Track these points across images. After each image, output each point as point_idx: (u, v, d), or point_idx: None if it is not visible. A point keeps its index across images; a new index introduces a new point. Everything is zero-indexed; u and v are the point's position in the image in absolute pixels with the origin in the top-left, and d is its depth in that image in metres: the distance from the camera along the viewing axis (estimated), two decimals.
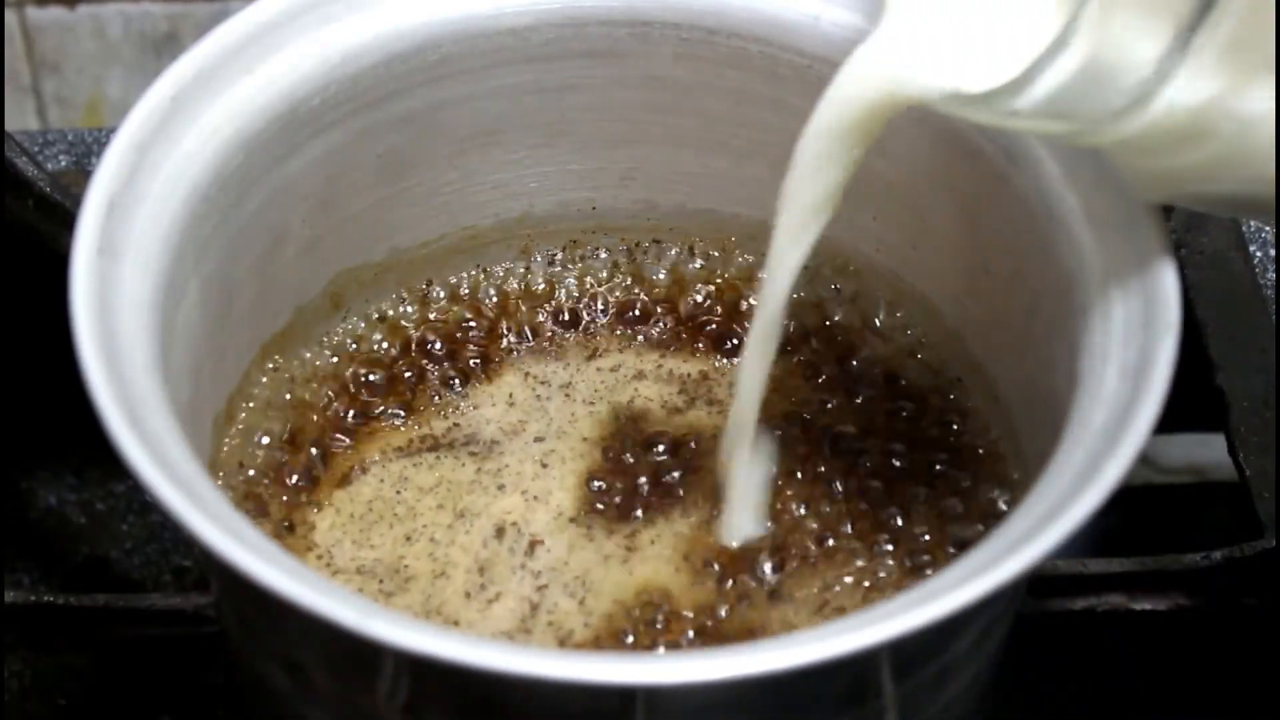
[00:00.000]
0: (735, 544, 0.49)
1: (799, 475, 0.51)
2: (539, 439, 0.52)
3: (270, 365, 0.52)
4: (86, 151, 0.67)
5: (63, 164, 0.67)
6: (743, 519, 0.50)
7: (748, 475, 0.50)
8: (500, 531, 0.50)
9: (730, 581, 0.49)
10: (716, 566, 0.49)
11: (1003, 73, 0.41)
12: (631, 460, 0.52)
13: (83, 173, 0.65)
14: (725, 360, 0.54)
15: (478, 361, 0.54)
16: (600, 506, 0.50)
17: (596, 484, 0.51)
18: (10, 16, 0.87)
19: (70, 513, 0.67)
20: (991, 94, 0.41)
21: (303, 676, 0.44)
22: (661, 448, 0.52)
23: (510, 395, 0.53)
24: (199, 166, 0.46)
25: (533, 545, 0.49)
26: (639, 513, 0.50)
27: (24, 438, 0.66)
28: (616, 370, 0.54)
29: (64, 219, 0.56)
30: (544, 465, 0.51)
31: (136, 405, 0.40)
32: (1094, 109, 0.39)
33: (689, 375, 0.54)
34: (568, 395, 0.53)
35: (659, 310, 0.55)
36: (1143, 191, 0.44)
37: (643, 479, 0.51)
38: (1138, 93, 0.38)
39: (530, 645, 0.47)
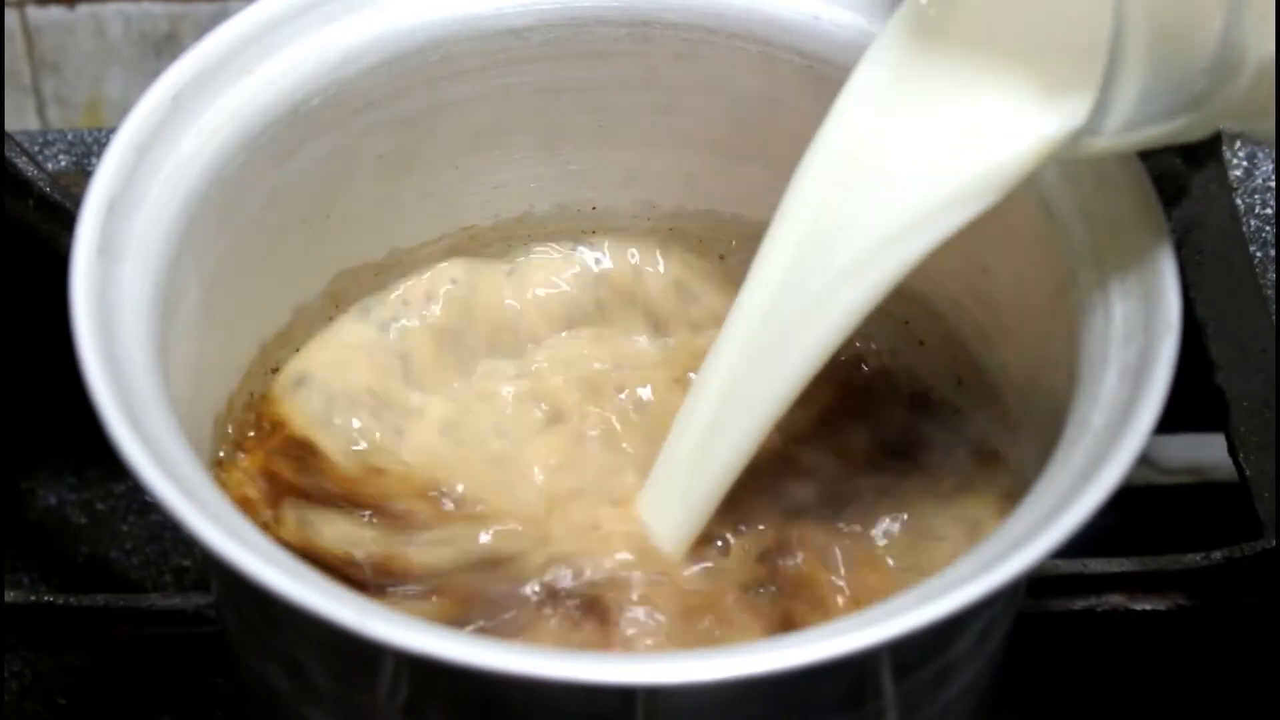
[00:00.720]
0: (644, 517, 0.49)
1: (797, 474, 0.51)
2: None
3: (270, 365, 0.52)
4: (86, 151, 0.67)
5: (63, 164, 0.67)
6: (663, 512, 0.49)
7: (694, 475, 0.49)
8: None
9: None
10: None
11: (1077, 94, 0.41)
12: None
13: (83, 173, 0.65)
14: None
15: (478, 363, 0.54)
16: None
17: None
18: (10, 16, 0.87)
19: (70, 513, 0.67)
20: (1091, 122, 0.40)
21: (303, 676, 0.44)
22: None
23: (515, 401, 0.53)
24: (199, 167, 0.46)
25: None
26: None
27: (24, 438, 0.66)
28: (620, 367, 0.54)
29: (64, 219, 0.56)
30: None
31: (136, 405, 0.40)
32: (1184, 95, 0.39)
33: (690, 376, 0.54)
34: (572, 389, 0.53)
35: (659, 311, 0.55)
36: None
37: None
38: (1216, 63, 0.38)
39: (531, 647, 0.47)
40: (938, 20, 0.44)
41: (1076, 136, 0.41)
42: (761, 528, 0.50)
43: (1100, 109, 0.39)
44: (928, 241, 0.44)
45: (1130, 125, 0.40)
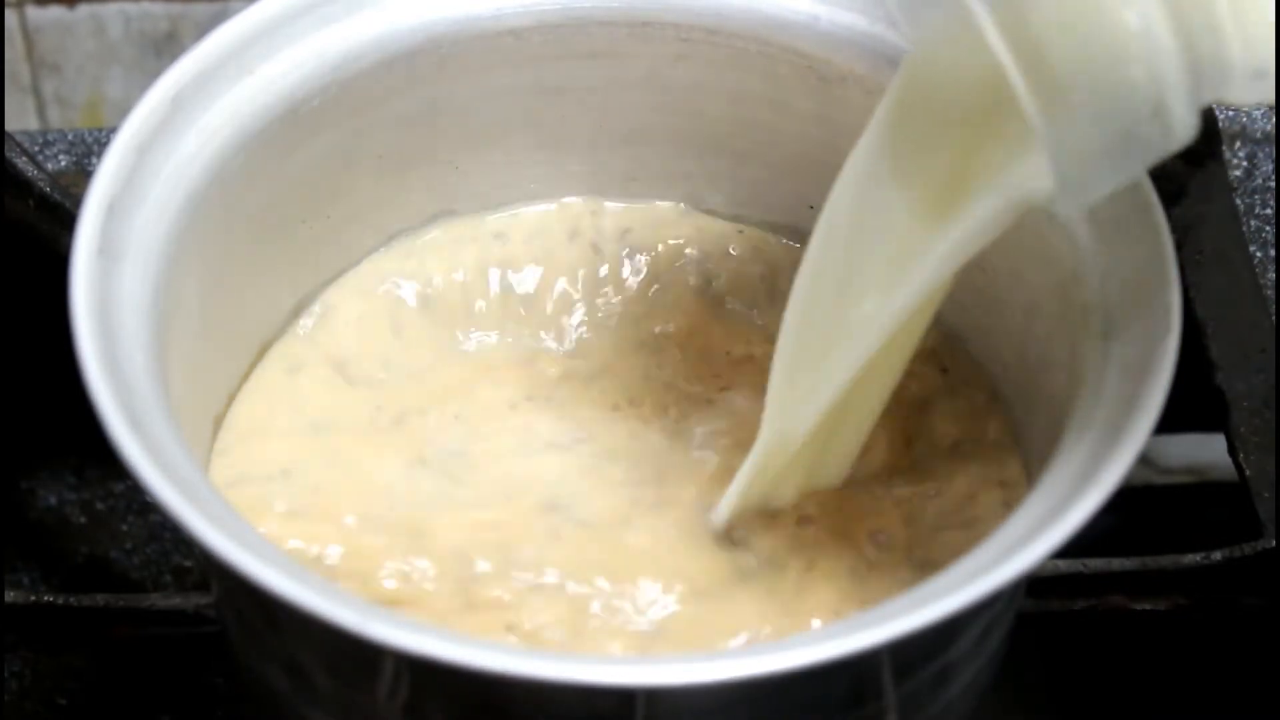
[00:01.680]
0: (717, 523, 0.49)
1: None
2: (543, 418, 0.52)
3: (270, 365, 0.52)
4: (86, 151, 0.67)
5: (63, 164, 0.67)
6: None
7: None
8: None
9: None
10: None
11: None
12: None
13: (83, 173, 0.65)
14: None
15: (477, 365, 0.54)
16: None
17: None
18: (10, 16, 0.87)
19: (70, 513, 0.67)
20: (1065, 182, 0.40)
21: (303, 676, 0.44)
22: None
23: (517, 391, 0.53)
24: (199, 167, 0.46)
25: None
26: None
27: (24, 438, 0.66)
28: (620, 367, 0.54)
29: (64, 219, 0.56)
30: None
31: (136, 405, 0.40)
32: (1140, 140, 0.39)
33: (693, 375, 0.54)
34: (577, 381, 0.53)
35: (659, 312, 0.55)
36: None
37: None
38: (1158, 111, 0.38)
39: (532, 649, 0.47)
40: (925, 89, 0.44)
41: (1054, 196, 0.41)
42: None
43: (1058, 172, 0.39)
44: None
45: (1095, 178, 0.39)
